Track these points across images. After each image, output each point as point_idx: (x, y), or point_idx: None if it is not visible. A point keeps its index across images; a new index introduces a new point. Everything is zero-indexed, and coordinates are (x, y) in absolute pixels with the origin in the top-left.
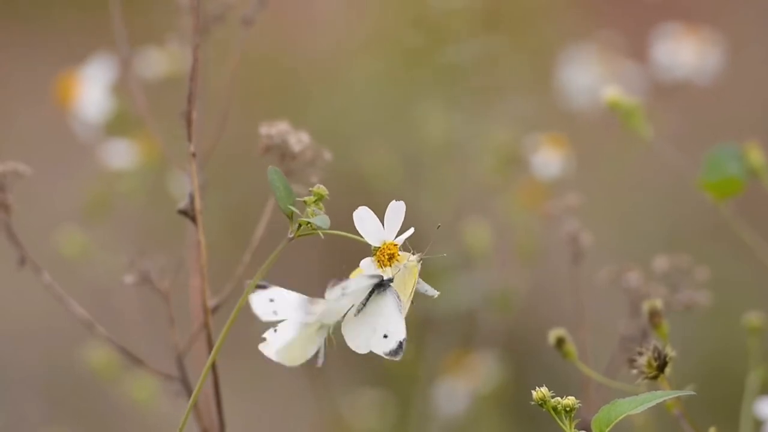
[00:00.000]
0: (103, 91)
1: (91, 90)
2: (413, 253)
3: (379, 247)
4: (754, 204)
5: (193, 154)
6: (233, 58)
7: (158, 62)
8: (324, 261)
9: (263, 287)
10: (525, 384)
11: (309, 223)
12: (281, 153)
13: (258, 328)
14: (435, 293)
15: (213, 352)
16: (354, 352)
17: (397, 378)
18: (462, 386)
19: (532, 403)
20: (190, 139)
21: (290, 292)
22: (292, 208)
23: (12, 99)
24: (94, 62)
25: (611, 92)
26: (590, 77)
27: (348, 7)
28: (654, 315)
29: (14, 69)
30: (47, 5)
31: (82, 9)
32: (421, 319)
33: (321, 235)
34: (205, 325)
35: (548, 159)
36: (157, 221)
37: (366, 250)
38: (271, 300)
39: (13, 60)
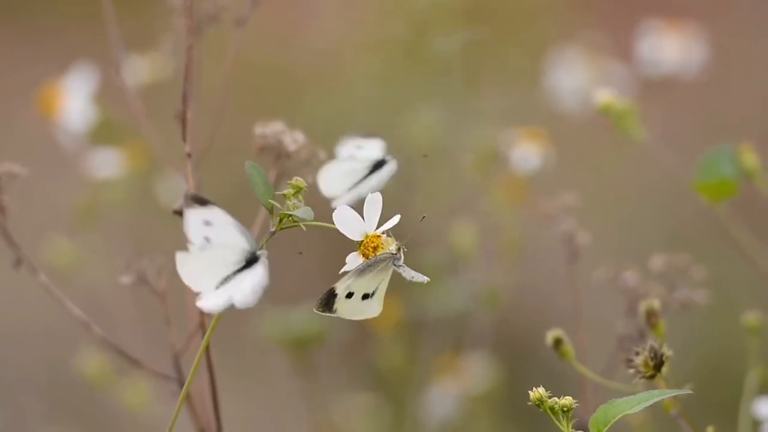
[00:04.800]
0: (86, 101)
1: (74, 101)
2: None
3: (363, 241)
4: (751, 205)
5: (189, 155)
6: (228, 58)
7: (149, 65)
8: (322, 259)
9: (202, 202)
10: (521, 385)
11: (290, 216)
12: (276, 153)
13: (255, 326)
14: (424, 279)
15: (204, 342)
16: (349, 354)
17: (391, 380)
18: (455, 388)
19: (529, 403)
20: (185, 139)
21: (232, 220)
22: (273, 202)
23: (11, 98)
24: (76, 72)
25: (604, 95)
26: (577, 79)
27: (344, 8)
28: (651, 315)
29: (15, 66)
30: (50, 3)
31: (83, 5)
32: (413, 322)
33: (303, 227)
34: (202, 326)
35: (526, 153)
36: (152, 223)
37: None
38: (207, 223)
39: (13, 58)
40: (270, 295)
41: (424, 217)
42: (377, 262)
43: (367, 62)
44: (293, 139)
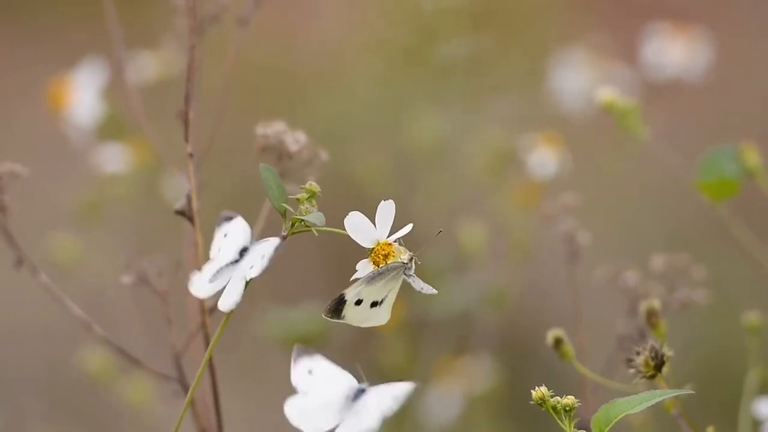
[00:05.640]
0: (95, 96)
1: (83, 95)
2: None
3: (374, 248)
4: (752, 204)
5: (191, 155)
6: (229, 58)
7: (153, 64)
8: (324, 259)
9: (306, 355)
10: (521, 384)
11: (302, 220)
12: (278, 153)
13: (256, 325)
14: (432, 291)
15: (209, 348)
16: (349, 356)
17: (392, 380)
18: (457, 389)
19: (531, 402)
20: (187, 139)
21: (335, 370)
22: (286, 206)
23: (12, 97)
24: (84, 67)
25: (606, 93)
26: (581, 80)
27: (344, 8)
28: (651, 315)
29: (15, 66)
30: (51, 2)
31: (84, 5)
32: (415, 322)
33: (315, 232)
34: (203, 326)
35: (544, 158)
36: (154, 222)
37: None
38: (310, 372)
39: (13, 58)
40: (272, 294)
41: (440, 232)
42: (388, 271)
43: (368, 62)
44: (295, 139)
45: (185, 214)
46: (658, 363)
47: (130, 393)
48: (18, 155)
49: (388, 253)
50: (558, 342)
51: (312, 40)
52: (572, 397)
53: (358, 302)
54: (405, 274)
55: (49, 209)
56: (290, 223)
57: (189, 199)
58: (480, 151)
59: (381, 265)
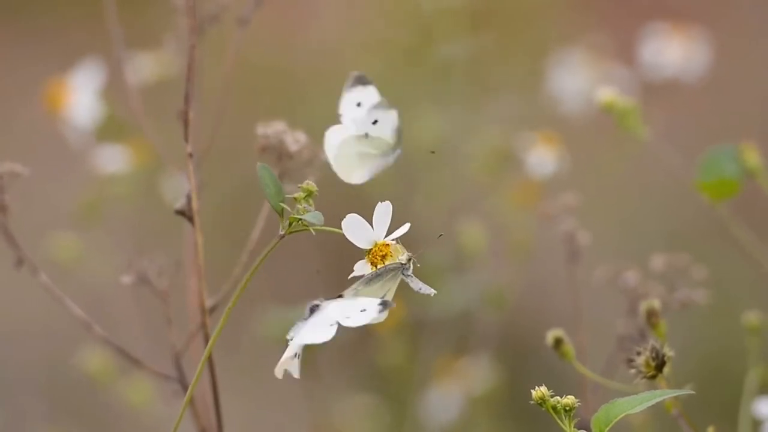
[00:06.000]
0: (93, 96)
1: (81, 96)
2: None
3: (372, 249)
4: (752, 204)
5: (191, 155)
6: (228, 58)
7: (152, 64)
8: (324, 258)
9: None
10: (521, 384)
11: (300, 219)
12: (278, 153)
13: (256, 325)
14: (431, 291)
15: (208, 346)
16: (348, 356)
17: (392, 380)
18: (456, 389)
19: (531, 402)
20: (187, 139)
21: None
22: (283, 205)
23: (12, 97)
24: (83, 68)
25: (607, 93)
26: (580, 80)
27: (344, 8)
28: (651, 315)
29: (15, 66)
30: (50, 3)
31: (84, 5)
32: (415, 322)
33: (312, 232)
34: (203, 326)
35: (543, 157)
36: (154, 222)
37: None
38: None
39: (13, 58)
40: (272, 294)
41: (441, 235)
42: (385, 272)
43: (368, 62)
44: (295, 139)
45: (185, 214)
46: (659, 363)
47: (130, 393)
48: (18, 155)
49: (386, 254)
50: (558, 342)
51: (311, 40)
52: (572, 397)
53: None
54: (403, 274)
55: (49, 209)
56: (288, 222)
57: (189, 199)
58: (479, 151)
59: (379, 266)
